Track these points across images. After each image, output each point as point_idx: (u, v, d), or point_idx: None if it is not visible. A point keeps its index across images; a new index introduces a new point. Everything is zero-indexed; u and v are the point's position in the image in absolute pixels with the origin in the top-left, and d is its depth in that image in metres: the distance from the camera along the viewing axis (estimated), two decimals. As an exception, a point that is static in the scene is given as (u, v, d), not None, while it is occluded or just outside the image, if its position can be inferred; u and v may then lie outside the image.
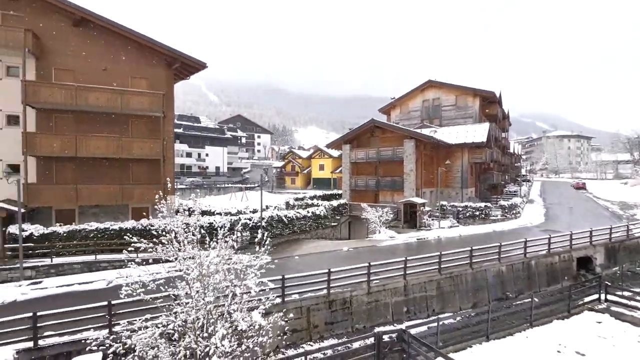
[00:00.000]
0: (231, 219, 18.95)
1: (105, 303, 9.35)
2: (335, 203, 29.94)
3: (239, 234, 9.00)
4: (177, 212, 8.81)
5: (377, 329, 11.83)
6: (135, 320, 8.07)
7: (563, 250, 19.68)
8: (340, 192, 38.28)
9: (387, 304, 13.96)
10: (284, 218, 23.69)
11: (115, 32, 20.03)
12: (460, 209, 29.22)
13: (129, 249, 8.57)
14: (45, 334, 8.94)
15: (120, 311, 9.39)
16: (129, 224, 18.38)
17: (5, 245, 15.98)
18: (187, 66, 22.75)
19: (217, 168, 75.80)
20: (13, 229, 15.94)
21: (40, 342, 8.82)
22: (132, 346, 7.70)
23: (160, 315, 8.14)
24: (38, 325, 8.75)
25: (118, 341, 7.82)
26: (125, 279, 8.00)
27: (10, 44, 17.28)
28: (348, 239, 28.97)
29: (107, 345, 7.90)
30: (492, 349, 11.90)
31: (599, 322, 14.10)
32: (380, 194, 32.76)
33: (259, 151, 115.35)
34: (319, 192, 42.97)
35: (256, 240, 19.41)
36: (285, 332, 10.91)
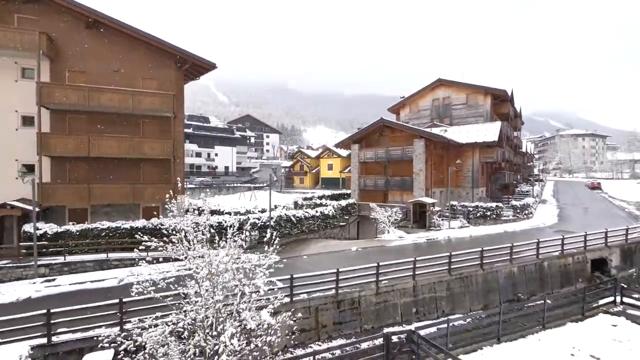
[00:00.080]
0: (240, 219, 19.05)
1: (116, 301, 9.48)
2: (343, 203, 29.86)
3: (247, 234, 9.02)
4: (187, 211, 8.88)
5: (385, 330, 11.75)
6: (146, 318, 8.18)
7: (577, 252, 19.22)
8: (348, 191, 38.16)
9: (396, 305, 13.84)
10: (292, 218, 23.73)
11: (126, 33, 20.34)
12: (471, 209, 28.81)
13: (140, 247, 8.69)
14: (59, 330, 9.12)
15: (131, 309, 9.51)
16: (140, 223, 18.65)
17: (20, 244, 16.38)
18: (197, 67, 22.97)
19: (226, 168, 76.40)
20: (28, 227, 16.33)
21: (54, 339, 9.00)
22: (143, 344, 7.79)
23: (170, 314, 8.22)
24: (52, 322, 8.94)
25: (129, 338, 7.92)
26: (136, 277, 8.11)
27: (25, 47, 17.69)
28: (357, 239, 28.85)
29: (119, 342, 8.03)
30: (503, 351, 11.69)
31: (615, 325, 13.72)
32: (390, 194, 32.53)
33: (267, 151, 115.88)
34: (328, 192, 42.92)
35: (265, 239, 19.48)
36: (294, 331, 10.91)
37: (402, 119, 43.81)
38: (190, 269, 8.30)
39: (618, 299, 15.54)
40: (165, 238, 8.32)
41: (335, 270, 12.69)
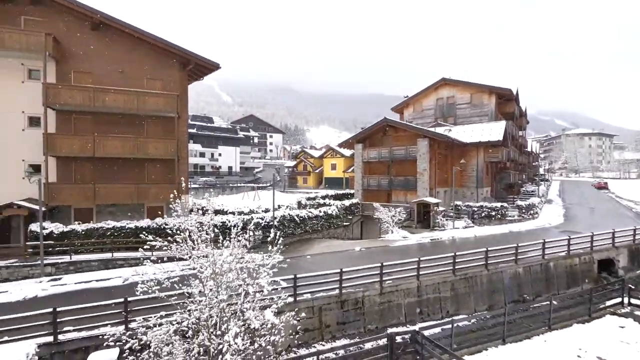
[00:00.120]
0: (244, 218, 19.14)
1: (121, 300, 9.55)
2: (347, 203, 29.82)
3: (251, 233, 9.03)
4: (191, 211, 8.92)
5: (389, 330, 11.71)
6: (151, 317, 8.22)
7: (583, 252, 19.02)
8: (352, 191, 38.09)
9: (400, 305, 13.79)
10: (295, 217, 23.74)
11: (131, 34, 20.47)
12: (476, 209, 28.63)
13: (145, 247, 8.74)
14: (65, 329, 9.20)
15: (136, 308, 9.58)
16: (145, 222, 18.76)
17: (27, 243, 16.55)
18: (200, 67, 23.06)
19: (230, 168, 76.59)
20: (34, 227, 16.50)
21: (60, 337, 9.07)
22: (148, 342, 7.83)
23: (175, 313, 8.25)
24: (58, 320, 9.01)
25: (134, 337, 7.96)
26: (141, 277, 8.16)
27: (32, 48, 17.87)
28: (360, 238, 28.80)
29: (124, 341, 8.07)
30: (508, 353, 11.60)
31: (622, 327, 13.57)
32: (393, 194, 32.43)
33: (271, 151, 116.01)
34: (331, 192, 42.88)
35: (268, 239, 19.47)
36: (297, 331, 10.91)
37: (406, 119, 43.65)
38: (194, 269, 8.33)
39: (626, 300, 15.39)
40: (169, 238, 8.36)
41: (338, 270, 12.66)
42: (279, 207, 26.58)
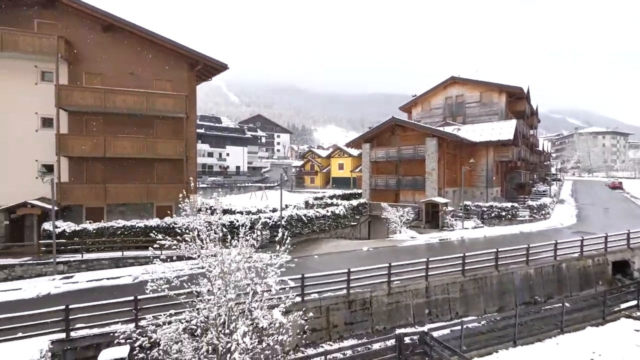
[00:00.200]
0: (251, 218, 19.23)
1: (131, 298, 9.67)
2: (354, 202, 29.71)
3: (259, 233, 9.06)
4: (199, 210, 8.98)
5: (397, 331, 11.62)
6: (160, 315, 8.30)
7: (597, 254, 18.60)
8: (359, 191, 37.96)
9: (408, 306, 13.68)
10: (303, 217, 23.74)
11: (141, 36, 20.74)
12: (485, 209, 28.25)
13: (154, 246, 8.83)
14: (77, 326, 9.36)
15: (146, 306, 9.70)
16: (154, 222, 18.99)
17: (40, 241, 16.90)
18: (209, 68, 23.24)
19: (238, 167, 77.09)
20: (47, 225, 16.83)
21: (72, 334, 9.23)
22: (157, 340, 7.92)
23: (184, 311, 8.33)
24: (70, 317, 9.17)
25: (144, 335, 8.06)
26: (151, 275, 8.25)
27: (44, 51, 18.26)
28: (368, 238, 28.67)
29: (134, 338, 8.18)
30: (519, 355, 11.41)
31: (637, 330, 13.23)
32: (401, 194, 32.22)
33: (278, 150, 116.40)
34: (339, 192, 42.77)
35: (276, 239, 19.55)
36: (305, 331, 10.91)
37: (414, 118, 43.31)
38: (203, 268, 8.39)
39: (641, 302, 14.98)
40: (178, 237, 8.43)
41: (346, 270, 12.63)
42: (287, 206, 26.62)
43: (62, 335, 9.12)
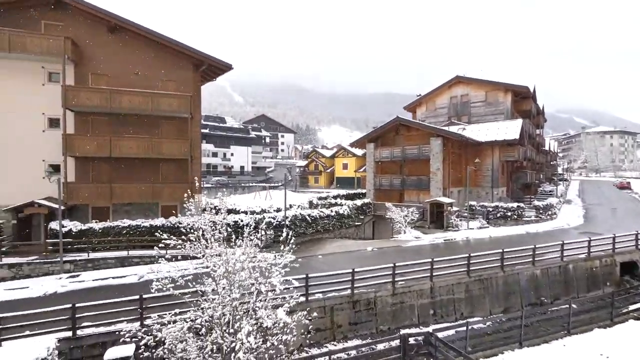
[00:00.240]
0: (256, 218, 19.25)
1: (137, 297, 9.73)
2: (359, 202, 29.64)
3: (263, 233, 9.06)
4: (204, 210, 8.99)
5: (402, 331, 11.55)
6: (165, 314, 8.34)
7: (605, 254, 18.37)
8: (364, 191, 37.88)
9: (413, 306, 13.61)
10: (307, 217, 23.73)
11: (146, 37, 20.89)
12: (491, 209, 28.03)
13: (159, 245, 8.87)
14: (83, 324, 9.44)
15: (151, 305, 9.76)
16: (159, 221, 19.10)
17: (47, 240, 17.08)
18: (213, 68, 23.33)
19: (242, 167, 77.39)
20: (54, 225, 17.01)
21: (79, 332, 9.31)
22: (162, 339, 7.95)
23: (189, 310, 8.35)
24: (76, 316, 9.25)
25: (149, 334, 8.10)
26: (156, 274, 8.30)
27: (52, 52, 18.47)
28: (372, 238, 28.59)
29: (139, 337, 8.21)
30: (525, 357, 11.29)
31: (647, 333, 13.02)
32: (406, 194, 32.09)
33: (282, 150, 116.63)
34: (343, 191, 42.73)
35: (280, 239, 19.58)
36: (309, 330, 10.89)
37: (419, 118, 43.10)
38: (207, 267, 8.41)
39: (650, 304, 14.75)
40: (183, 236, 8.46)
41: (350, 270, 12.60)
42: (291, 206, 26.63)
43: (69, 334, 9.20)
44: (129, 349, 8.45)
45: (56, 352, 8.60)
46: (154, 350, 8.15)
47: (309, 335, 10.74)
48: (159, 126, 21.44)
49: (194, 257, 8.56)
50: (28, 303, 11.55)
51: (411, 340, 10.91)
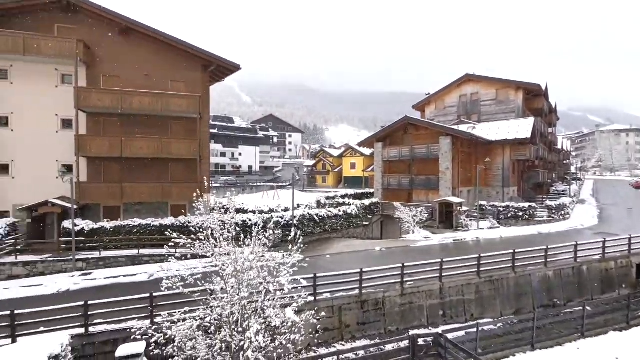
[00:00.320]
0: (264, 217, 19.32)
1: (147, 295, 9.86)
2: (367, 202, 29.51)
3: (271, 232, 9.08)
4: (212, 209, 9.06)
5: (411, 332, 11.46)
6: (175, 312, 8.43)
7: (620, 256, 17.91)
8: (372, 190, 37.70)
9: (422, 307, 13.48)
10: (315, 217, 23.72)
11: (156, 39, 21.14)
12: (501, 209, 27.61)
13: (169, 244, 8.96)
14: (95, 321, 9.60)
15: (161, 303, 9.86)
16: (169, 220, 19.32)
17: (60, 239, 17.44)
18: (222, 68, 23.49)
19: (250, 167, 77.84)
20: (67, 224, 17.35)
21: (91, 329, 9.48)
22: (172, 337, 8.05)
23: (198, 309, 8.42)
24: (89, 313, 9.42)
25: (159, 332, 8.20)
26: (166, 273, 8.39)
27: (65, 54, 18.85)
28: (380, 238, 28.44)
29: (150, 335, 8.33)
30: (538, 359, 11.08)
31: (665, 336, 12.66)
32: (414, 193, 31.83)
33: (290, 150, 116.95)
34: (351, 191, 42.59)
35: (288, 238, 19.61)
36: (317, 330, 10.88)
37: (428, 117, 42.71)
38: (216, 266, 8.47)
39: (668, 307, 14.33)
40: (192, 235, 8.54)
41: (358, 270, 12.54)
42: (299, 206, 26.65)
43: (82, 330, 9.38)
44: (139, 346, 8.56)
45: (69, 348, 8.76)
46: (164, 348, 8.24)
47: (317, 335, 10.74)
48: (168, 126, 21.69)
49: (203, 256, 8.64)
50: (42, 300, 11.81)
51: (420, 341, 10.82)
